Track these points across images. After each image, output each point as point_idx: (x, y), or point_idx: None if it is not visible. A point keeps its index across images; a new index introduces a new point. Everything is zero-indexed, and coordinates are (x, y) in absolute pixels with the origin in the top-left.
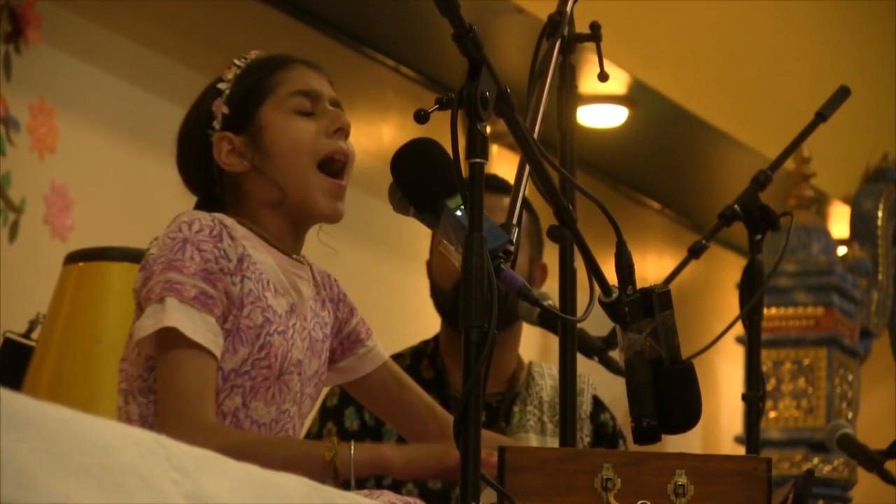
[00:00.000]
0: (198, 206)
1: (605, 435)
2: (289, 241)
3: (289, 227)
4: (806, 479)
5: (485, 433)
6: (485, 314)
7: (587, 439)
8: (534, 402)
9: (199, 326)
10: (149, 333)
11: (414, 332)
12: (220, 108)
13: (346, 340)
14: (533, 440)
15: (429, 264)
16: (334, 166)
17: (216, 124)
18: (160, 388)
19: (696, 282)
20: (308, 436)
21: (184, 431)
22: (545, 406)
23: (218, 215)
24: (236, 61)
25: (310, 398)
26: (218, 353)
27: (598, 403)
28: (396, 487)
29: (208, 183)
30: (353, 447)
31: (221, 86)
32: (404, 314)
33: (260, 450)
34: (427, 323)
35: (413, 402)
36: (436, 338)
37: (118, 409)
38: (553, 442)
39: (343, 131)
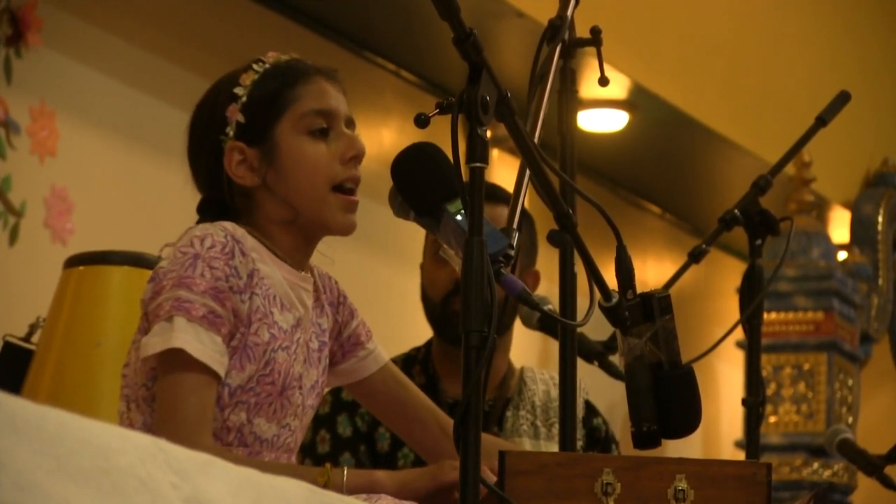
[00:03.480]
0: (202, 207)
1: (598, 439)
2: (298, 256)
3: (300, 242)
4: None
5: (484, 436)
6: (485, 318)
7: (579, 443)
8: (526, 406)
9: (206, 346)
10: (156, 352)
11: (412, 336)
12: (236, 115)
13: (346, 343)
14: (527, 444)
15: (423, 268)
16: (347, 187)
17: (230, 131)
18: (160, 409)
19: (696, 286)
20: (302, 445)
21: None
22: (538, 411)
23: (229, 227)
24: (254, 66)
25: (311, 409)
26: (222, 373)
27: (590, 408)
28: None
29: (217, 186)
30: (345, 473)
31: (238, 91)
32: (404, 318)
33: None
34: (426, 327)
35: (415, 404)
36: (427, 344)
37: (120, 414)
38: (546, 446)
39: (357, 159)
